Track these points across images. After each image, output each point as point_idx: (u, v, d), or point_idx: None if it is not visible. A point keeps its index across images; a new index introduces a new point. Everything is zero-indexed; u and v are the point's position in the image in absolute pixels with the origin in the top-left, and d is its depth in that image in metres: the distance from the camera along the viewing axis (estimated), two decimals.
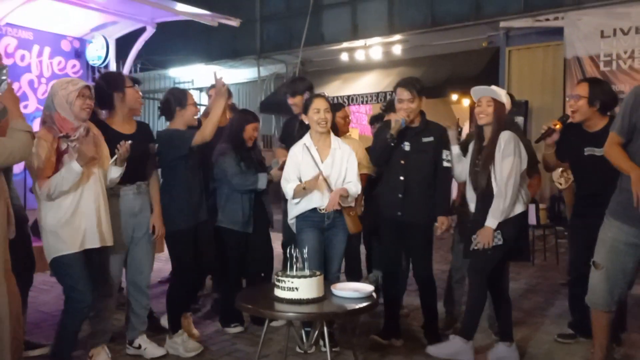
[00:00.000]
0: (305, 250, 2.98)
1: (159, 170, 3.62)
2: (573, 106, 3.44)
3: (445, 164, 3.55)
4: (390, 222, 3.66)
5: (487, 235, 3.24)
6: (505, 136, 3.25)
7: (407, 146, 3.57)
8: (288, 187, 3.49)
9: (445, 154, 3.54)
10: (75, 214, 2.97)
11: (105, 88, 3.30)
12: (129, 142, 3.06)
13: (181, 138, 3.50)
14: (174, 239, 3.59)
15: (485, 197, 3.31)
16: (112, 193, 3.25)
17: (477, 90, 3.40)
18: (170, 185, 3.57)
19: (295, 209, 3.57)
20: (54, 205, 2.94)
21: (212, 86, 4.09)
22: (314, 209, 3.50)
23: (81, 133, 2.97)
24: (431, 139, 3.56)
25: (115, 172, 3.13)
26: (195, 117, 3.68)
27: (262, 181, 3.83)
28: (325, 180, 3.43)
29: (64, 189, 2.90)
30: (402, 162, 3.58)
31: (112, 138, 3.18)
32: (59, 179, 2.87)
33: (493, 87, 3.41)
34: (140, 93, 3.52)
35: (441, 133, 3.60)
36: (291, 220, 3.63)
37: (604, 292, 2.91)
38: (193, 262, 3.61)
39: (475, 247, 3.27)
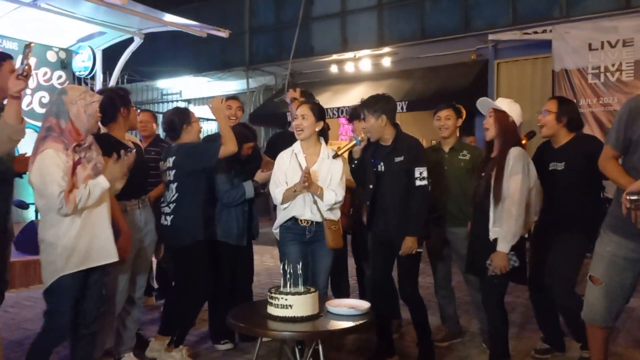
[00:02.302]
0: (288, 264, 2.90)
1: (175, 184, 3.56)
2: (541, 121, 3.54)
3: (418, 182, 3.38)
4: (374, 240, 3.68)
5: (502, 259, 3.10)
6: (515, 152, 3.14)
7: (381, 166, 3.52)
8: (277, 191, 3.43)
9: (418, 171, 3.38)
10: (88, 229, 2.78)
11: (115, 101, 3.28)
12: (134, 150, 3.00)
13: (207, 151, 3.52)
14: (192, 250, 3.53)
15: (481, 209, 3.23)
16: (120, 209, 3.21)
17: (482, 103, 3.33)
18: (187, 198, 3.54)
19: (278, 218, 3.52)
20: (67, 222, 2.72)
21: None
22: (296, 221, 3.44)
23: (89, 142, 2.83)
24: (402, 158, 3.44)
25: (121, 184, 3.02)
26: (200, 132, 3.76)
27: (248, 189, 3.80)
28: (309, 174, 3.31)
29: (89, 204, 2.73)
30: (371, 186, 3.53)
31: (121, 149, 3.12)
32: (85, 194, 2.69)
33: (503, 99, 3.31)
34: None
35: (412, 149, 3.47)
36: (275, 230, 3.57)
37: (602, 309, 2.85)
38: (207, 275, 3.59)
39: (492, 274, 3.13)
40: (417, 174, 3.39)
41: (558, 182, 3.45)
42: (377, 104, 3.47)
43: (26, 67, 2.60)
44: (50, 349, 2.86)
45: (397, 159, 3.45)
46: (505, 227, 3.09)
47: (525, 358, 3.78)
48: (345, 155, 3.65)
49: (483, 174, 3.25)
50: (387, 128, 3.49)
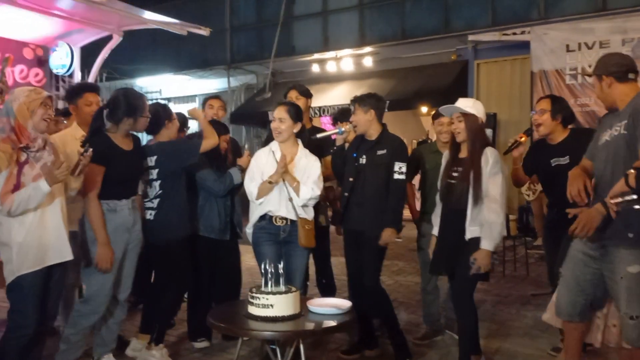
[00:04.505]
0: (264, 264, 2.91)
1: (158, 181, 3.55)
2: (537, 120, 3.62)
3: (396, 176, 3.54)
4: (346, 233, 3.76)
5: (487, 258, 3.15)
6: (493, 152, 3.22)
7: (363, 159, 3.62)
8: (252, 185, 3.46)
9: (397, 166, 3.53)
10: (40, 228, 2.82)
11: (119, 105, 3.22)
12: (90, 150, 2.94)
13: (189, 148, 3.58)
14: (175, 247, 3.54)
15: (453, 210, 3.26)
16: (109, 208, 3.19)
17: (445, 109, 3.41)
18: (171, 195, 3.54)
19: (253, 215, 3.53)
20: (19, 220, 2.76)
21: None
22: (270, 221, 3.46)
23: (39, 145, 2.84)
24: (384, 151, 3.57)
25: (75, 183, 2.99)
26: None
27: (236, 175, 3.82)
28: (285, 164, 3.39)
29: (29, 207, 2.75)
30: (351, 178, 3.63)
31: (115, 154, 3.17)
32: (25, 197, 2.71)
33: (460, 100, 3.36)
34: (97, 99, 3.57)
35: (395, 145, 3.61)
36: (249, 230, 3.58)
37: (565, 302, 2.94)
38: (189, 272, 3.60)
39: (477, 272, 3.17)
40: (396, 168, 3.53)
41: (566, 176, 3.30)
42: (368, 99, 3.64)
43: (0, 84, 2.56)
44: (19, 348, 2.84)
45: (380, 152, 3.58)
46: (490, 226, 3.14)
47: (502, 355, 3.82)
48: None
49: (455, 174, 3.29)
50: (374, 124, 3.63)
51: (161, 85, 13.52)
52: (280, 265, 2.89)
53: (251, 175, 3.50)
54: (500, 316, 4.74)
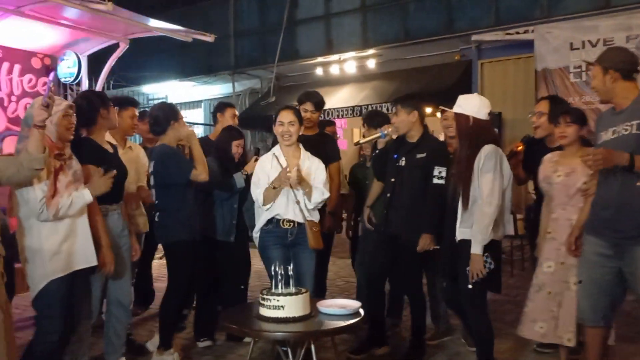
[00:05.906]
0: (272, 268, 2.94)
1: (155, 187, 3.60)
2: (535, 122, 3.61)
3: (435, 180, 3.47)
4: (380, 235, 3.74)
5: (476, 262, 2.97)
6: (487, 150, 3.02)
7: (403, 161, 3.60)
8: (257, 192, 3.47)
9: (437, 170, 3.47)
10: (72, 235, 2.89)
11: (94, 103, 3.27)
12: (114, 171, 3.02)
13: (180, 170, 3.50)
14: (175, 250, 3.57)
15: (450, 211, 3.18)
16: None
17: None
18: (168, 197, 3.56)
19: (260, 219, 3.55)
20: (50, 226, 2.81)
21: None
22: (277, 224, 3.47)
23: (69, 153, 2.93)
24: (424, 154, 3.54)
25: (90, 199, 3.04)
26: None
27: (238, 180, 3.86)
28: (299, 171, 3.37)
29: (69, 214, 2.85)
30: (393, 179, 3.62)
31: (103, 156, 3.20)
32: (66, 204, 2.81)
33: (460, 97, 3.23)
34: (137, 113, 3.66)
35: (435, 148, 3.58)
36: (256, 234, 3.60)
37: (587, 307, 2.94)
38: (191, 276, 3.60)
39: (473, 281, 3.00)
40: (435, 172, 3.48)
41: None
42: (410, 100, 3.64)
43: (48, 99, 2.62)
44: (45, 355, 2.87)
45: (419, 155, 3.55)
46: (475, 227, 2.98)
47: (511, 355, 3.83)
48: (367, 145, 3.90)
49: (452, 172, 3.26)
50: (417, 125, 3.61)
51: (167, 92, 13.60)
52: (290, 267, 2.92)
53: (256, 181, 3.51)
54: (509, 316, 4.74)
